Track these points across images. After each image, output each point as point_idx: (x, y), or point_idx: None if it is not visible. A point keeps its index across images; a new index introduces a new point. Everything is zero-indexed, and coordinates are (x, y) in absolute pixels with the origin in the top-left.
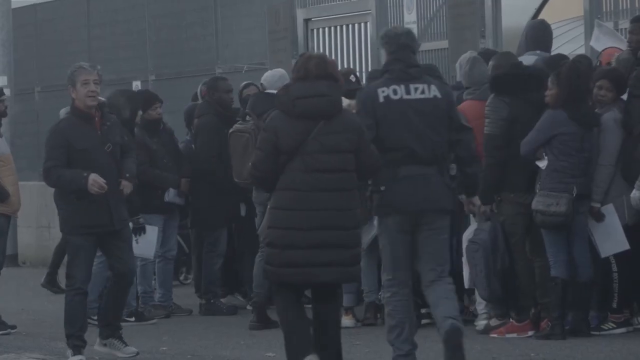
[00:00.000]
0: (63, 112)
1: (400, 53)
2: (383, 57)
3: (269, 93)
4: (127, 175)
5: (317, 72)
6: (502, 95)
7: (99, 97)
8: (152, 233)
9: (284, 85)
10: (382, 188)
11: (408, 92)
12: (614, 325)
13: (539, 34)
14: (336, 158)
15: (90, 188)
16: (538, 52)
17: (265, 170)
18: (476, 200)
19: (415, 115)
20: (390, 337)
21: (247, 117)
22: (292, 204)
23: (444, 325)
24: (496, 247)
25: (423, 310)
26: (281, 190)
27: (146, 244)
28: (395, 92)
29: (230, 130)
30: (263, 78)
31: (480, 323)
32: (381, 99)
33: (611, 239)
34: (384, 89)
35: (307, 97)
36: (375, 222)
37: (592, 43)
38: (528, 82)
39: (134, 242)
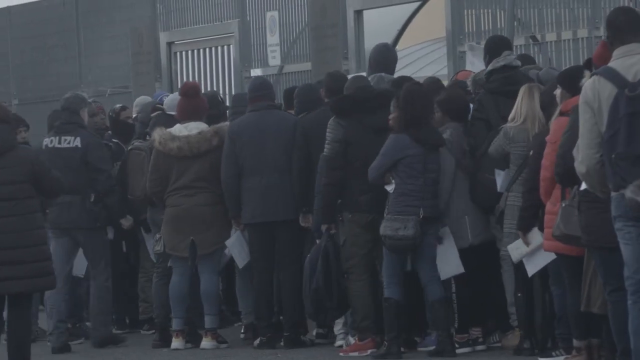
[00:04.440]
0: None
1: None
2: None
3: (169, 114)
4: None
5: None
6: (340, 118)
7: None
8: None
9: None
10: None
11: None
12: (457, 346)
13: (381, 57)
14: (10, 189)
15: None
16: (383, 74)
17: None
18: None
19: None
20: None
21: (147, 137)
22: None
23: None
24: (313, 268)
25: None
26: None
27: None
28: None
29: (130, 147)
30: (165, 103)
31: (339, 343)
32: None
33: (448, 262)
34: None
35: None
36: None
37: (468, 67)
38: (363, 105)
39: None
